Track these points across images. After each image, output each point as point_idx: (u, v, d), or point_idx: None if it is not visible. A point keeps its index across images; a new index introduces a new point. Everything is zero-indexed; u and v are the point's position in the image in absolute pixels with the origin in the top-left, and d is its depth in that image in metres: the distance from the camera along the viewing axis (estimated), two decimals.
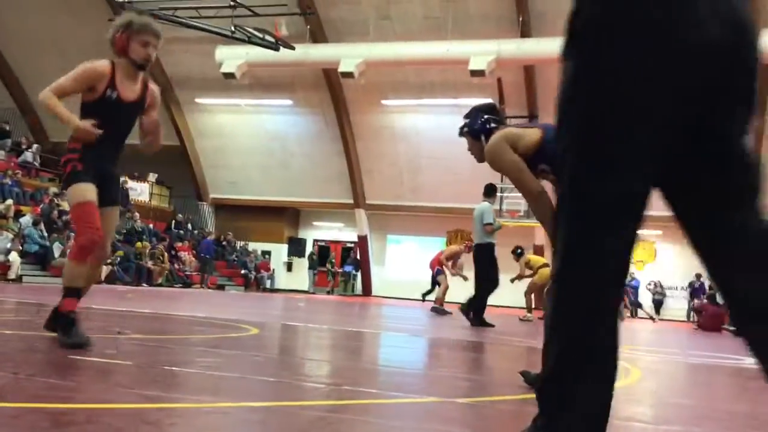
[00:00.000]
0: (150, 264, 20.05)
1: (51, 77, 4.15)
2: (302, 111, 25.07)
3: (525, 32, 20.25)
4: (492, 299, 9.83)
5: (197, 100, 25.48)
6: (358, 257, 27.19)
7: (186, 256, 23.03)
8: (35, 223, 16.98)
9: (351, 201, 25.98)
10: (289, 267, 28.46)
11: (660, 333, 13.72)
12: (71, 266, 3.95)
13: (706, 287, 19.74)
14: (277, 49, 19.61)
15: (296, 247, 28.32)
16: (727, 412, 3.56)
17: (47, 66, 20.53)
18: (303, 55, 20.76)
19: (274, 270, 27.18)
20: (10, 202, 17.27)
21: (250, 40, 19.28)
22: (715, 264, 1.66)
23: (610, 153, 1.59)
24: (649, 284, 24.27)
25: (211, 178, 27.56)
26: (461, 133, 4.00)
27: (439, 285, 13.98)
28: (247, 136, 26.16)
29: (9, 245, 15.57)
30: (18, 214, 17.32)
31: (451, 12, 20.94)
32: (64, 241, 16.71)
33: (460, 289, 12.57)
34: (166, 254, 21.32)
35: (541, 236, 21.32)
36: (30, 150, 22.96)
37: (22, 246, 16.12)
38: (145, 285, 18.77)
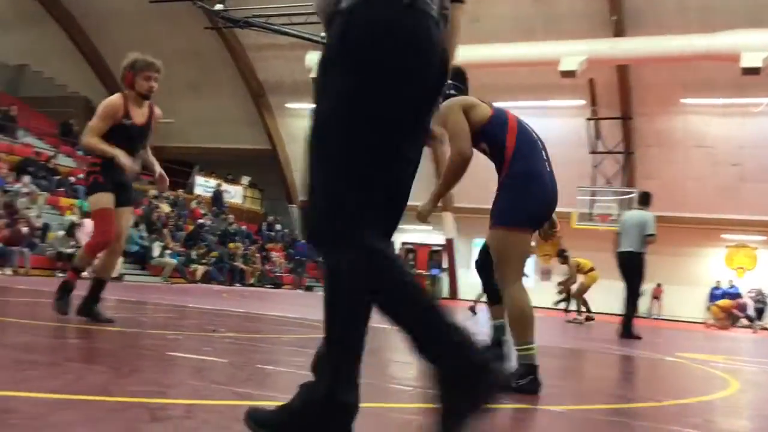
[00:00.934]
0: (242, 265, 20.59)
1: None
2: None
3: (618, 31, 19.72)
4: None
5: (287, 105, 25.98)
6: (443, 260, 27.08)
7: (276, 257, 23.51)
8: (136, 224, 17.70)
9: (439, 204, 25.84)
10: None
11: (761, 343, 13.09)
12: (83, 255, 5.08)
13: None
14: None
15: None
16: None
17: None
18: None
19: None
20: None
21: None
22: None
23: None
24: (750, 292, 23.17)
25: (300, 181, 28.00)
26: None
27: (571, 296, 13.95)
28: None
29: None
30: None
31: (541, 12, 20.62)
32: (163, 240, 17.35)
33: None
34: (258, 255, 21.82)
35: None
36: None
37: None
38: (237, 285, 19.29)
